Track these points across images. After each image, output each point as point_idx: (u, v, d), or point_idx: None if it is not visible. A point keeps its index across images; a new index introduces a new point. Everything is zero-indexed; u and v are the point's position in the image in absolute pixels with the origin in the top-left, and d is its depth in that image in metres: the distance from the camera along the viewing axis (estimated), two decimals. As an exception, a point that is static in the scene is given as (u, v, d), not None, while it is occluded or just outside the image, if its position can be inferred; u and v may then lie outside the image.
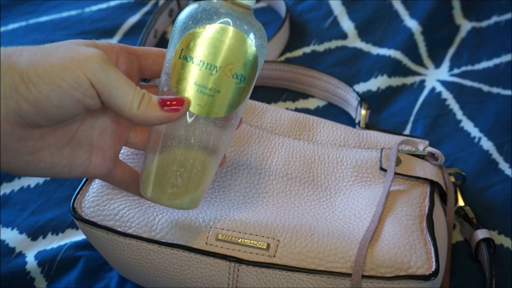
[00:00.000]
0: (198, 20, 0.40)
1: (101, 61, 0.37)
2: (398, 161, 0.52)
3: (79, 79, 0.36)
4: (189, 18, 0.40)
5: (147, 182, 0.43)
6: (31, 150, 0.38)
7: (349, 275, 0.44)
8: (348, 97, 0.68)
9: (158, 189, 0.43)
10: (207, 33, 0.39)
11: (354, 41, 0.78)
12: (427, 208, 0.49)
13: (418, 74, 0.74)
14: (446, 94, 0.71)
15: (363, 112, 0.63)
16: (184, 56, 0.40)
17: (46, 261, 0.56)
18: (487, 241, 0.54)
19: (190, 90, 0.40)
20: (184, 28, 0.40)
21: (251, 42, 0.40)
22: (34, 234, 0.59)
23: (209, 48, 0.39)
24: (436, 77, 0.74)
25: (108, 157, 0.43)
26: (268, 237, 0.46)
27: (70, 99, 0.37)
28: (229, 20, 0.39)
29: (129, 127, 0.45)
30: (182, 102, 0.40)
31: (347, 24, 0.80)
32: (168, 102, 0.39)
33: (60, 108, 0.37)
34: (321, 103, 0.71)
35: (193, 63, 0.40)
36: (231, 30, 0.39)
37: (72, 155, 0.41)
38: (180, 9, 0.83)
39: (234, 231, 0.46)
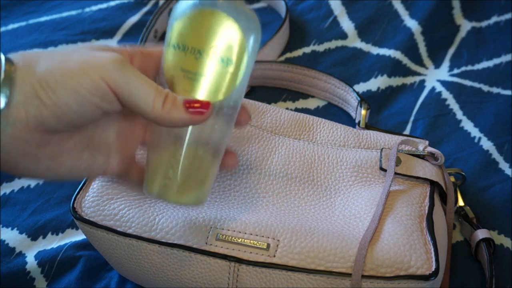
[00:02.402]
0: (184, 9, 0.40)
1: (117, 63, 0.37)
2: (398, 161, 0.52)
3: (96, 84, 0.36)
4: (175, 9, 0.41)
5: (152, 179, 0.43)
6: (51, 156, 0.38)
7: (349, 275, 0.44)
8: (348, 97, 0.68)
9: (162, 186, 0.42)
10: (189, 19, 0.40)
11: (354, 41, 0.78)
12: (427, 208, 0.49)
13: (418, 74, 0.74)
14: (446, 94, 0.71)
15: (363, 112, 0.62)
16: (172, 45, 0.40)
17: (46, 261, 0.56)
18: (487, 241, 0.54)
19: (176, 76, 0.40)
20: (171, 19, 0.41)
21: (235, 23, 0.40)
22: (34, 234, 0.59)
23: (191, 32, 0.40)
24: (436, 77, 0.74)
25: (124, 158, 0.43)
26: (268, 237, 0.46)
27: (89, 105, 0.36)
28: (211, 2, 0.40)
29: (145, 127, 0.45)
30: (208, 106, 0.39)
31: (347, 24, 0.80)
32: (193, 104, 0.38)
33: (79, 114, 0.37)
34: (321, 103, 0.71)
35: (178, 49, 0.40)
36: (211, 12, 0.39)
37: (91, 159, 0.41)
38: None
39: (234, 231, 0.46)
